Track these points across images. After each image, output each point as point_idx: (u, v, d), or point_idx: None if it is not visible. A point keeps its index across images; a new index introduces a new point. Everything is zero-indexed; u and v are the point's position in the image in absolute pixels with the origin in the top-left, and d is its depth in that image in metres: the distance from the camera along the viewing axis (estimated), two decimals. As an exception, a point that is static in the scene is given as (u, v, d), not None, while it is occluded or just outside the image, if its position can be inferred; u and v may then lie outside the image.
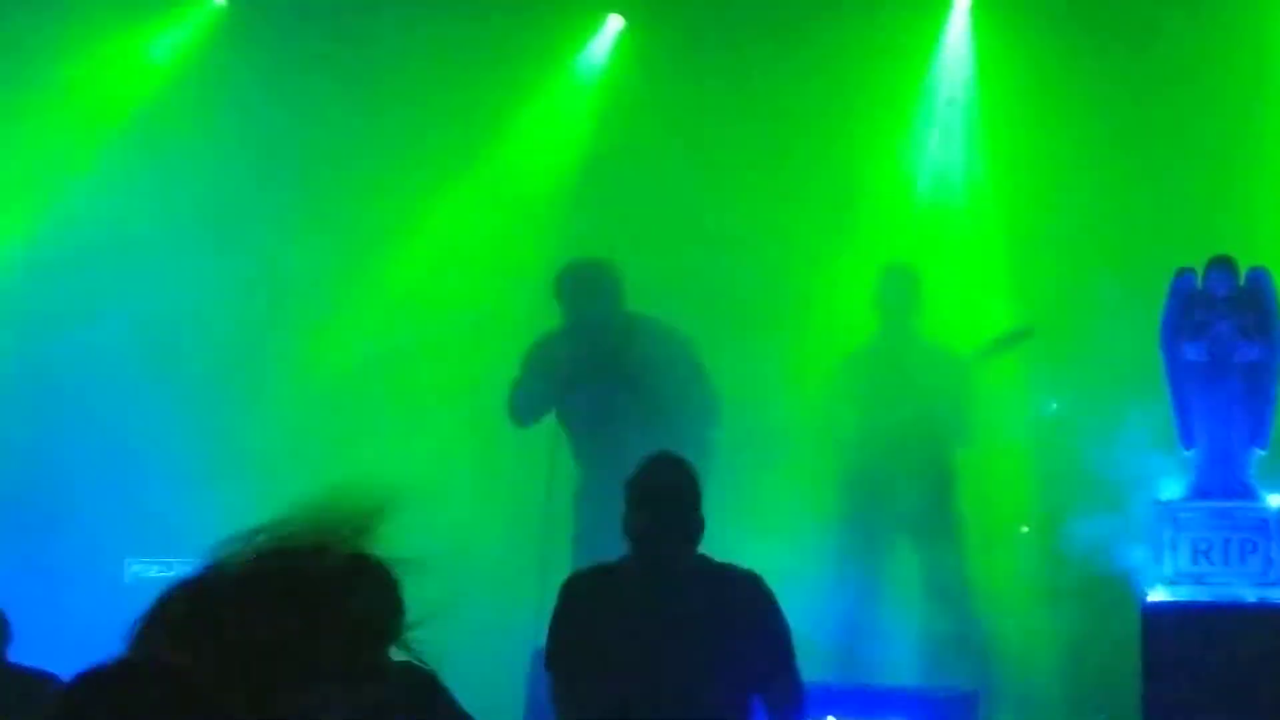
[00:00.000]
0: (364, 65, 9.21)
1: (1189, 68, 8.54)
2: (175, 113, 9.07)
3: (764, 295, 8.85)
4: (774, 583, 5.02)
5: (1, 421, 8.59)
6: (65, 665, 2.80)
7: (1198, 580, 5.99)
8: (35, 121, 8.85)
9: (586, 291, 7.35)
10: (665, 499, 4.97)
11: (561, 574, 5.37)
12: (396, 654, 3.79)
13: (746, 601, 4.93)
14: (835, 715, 5.93)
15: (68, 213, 8.78)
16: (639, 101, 9.23)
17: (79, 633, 5.09)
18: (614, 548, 5.12)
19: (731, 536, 6.94)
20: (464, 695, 4.73)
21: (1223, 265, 6.14)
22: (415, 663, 4.72)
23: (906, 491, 7.64)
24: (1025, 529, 8.11)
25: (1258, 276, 6.15)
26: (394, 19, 9.15)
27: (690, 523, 4.97)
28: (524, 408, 7.45)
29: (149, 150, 8.91)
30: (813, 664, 6.54)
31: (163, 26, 9.27)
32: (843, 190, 9.02)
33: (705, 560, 4.99)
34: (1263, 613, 5.90)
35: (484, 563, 8.12)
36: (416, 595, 4.77)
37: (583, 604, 4.98)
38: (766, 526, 7.71)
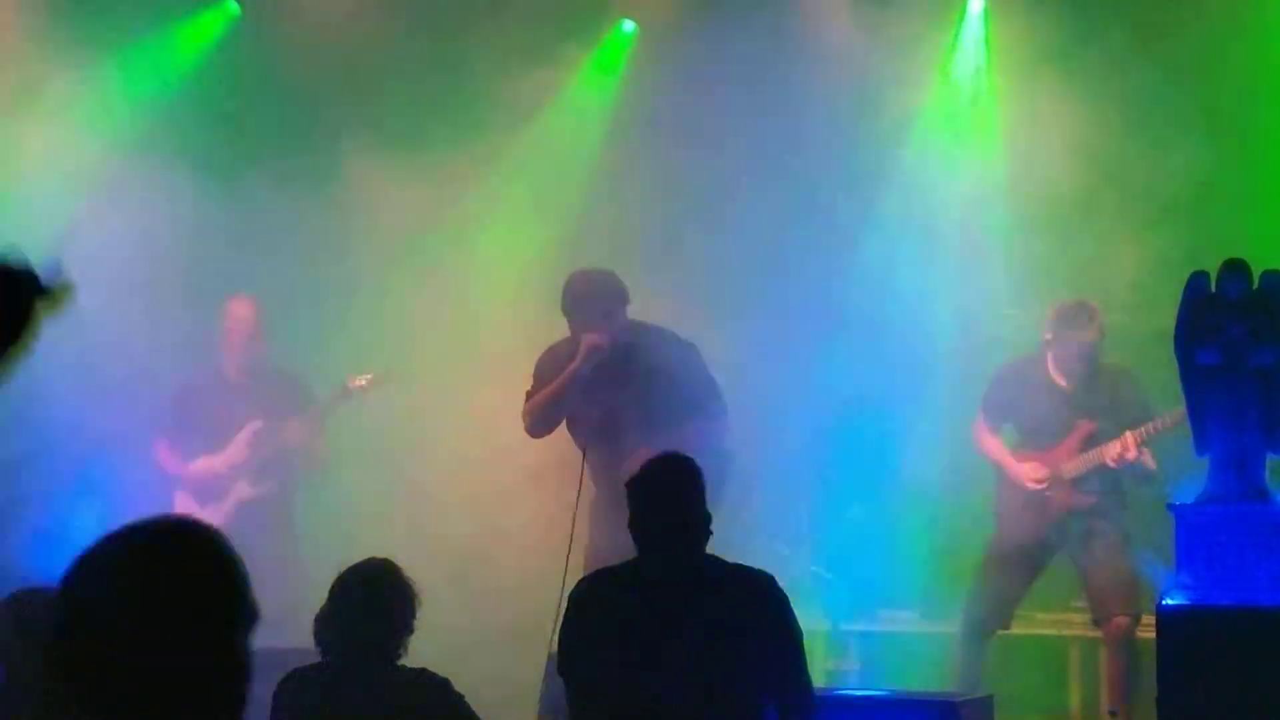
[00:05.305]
0: (370, 71, 9.26)
1: (1214, 56, 8.53)
2: (191, 121, 9.14)
3: (784, 296, 8.87)
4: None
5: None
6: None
7: (1213, 584, 5.97)
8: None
9: (591, 301, 7.32)
10: (668, 497, 4.92)
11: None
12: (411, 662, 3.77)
13: (758, 603, 4.88)
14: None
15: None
16: (652, 106, 9.25)
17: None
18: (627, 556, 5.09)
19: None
20: (478, 701, 4.74)
21: (1235, 268, 6.08)
22: (428, 670, 4.74)
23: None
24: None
25: (1272, 279, 6.11)
26: (399, 26, 9.21)
27: (695, 520, 4.91)
28: (537, 418, 7.46)
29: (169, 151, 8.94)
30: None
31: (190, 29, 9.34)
32: (862, 189, 9.02)
33: (715, 560, 4.94)
34: (1279, 616, 5.88)
35: (502, 569, 8.11)
36: (434, 602, 4.78)
37: (591, 608, 4.97)
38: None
